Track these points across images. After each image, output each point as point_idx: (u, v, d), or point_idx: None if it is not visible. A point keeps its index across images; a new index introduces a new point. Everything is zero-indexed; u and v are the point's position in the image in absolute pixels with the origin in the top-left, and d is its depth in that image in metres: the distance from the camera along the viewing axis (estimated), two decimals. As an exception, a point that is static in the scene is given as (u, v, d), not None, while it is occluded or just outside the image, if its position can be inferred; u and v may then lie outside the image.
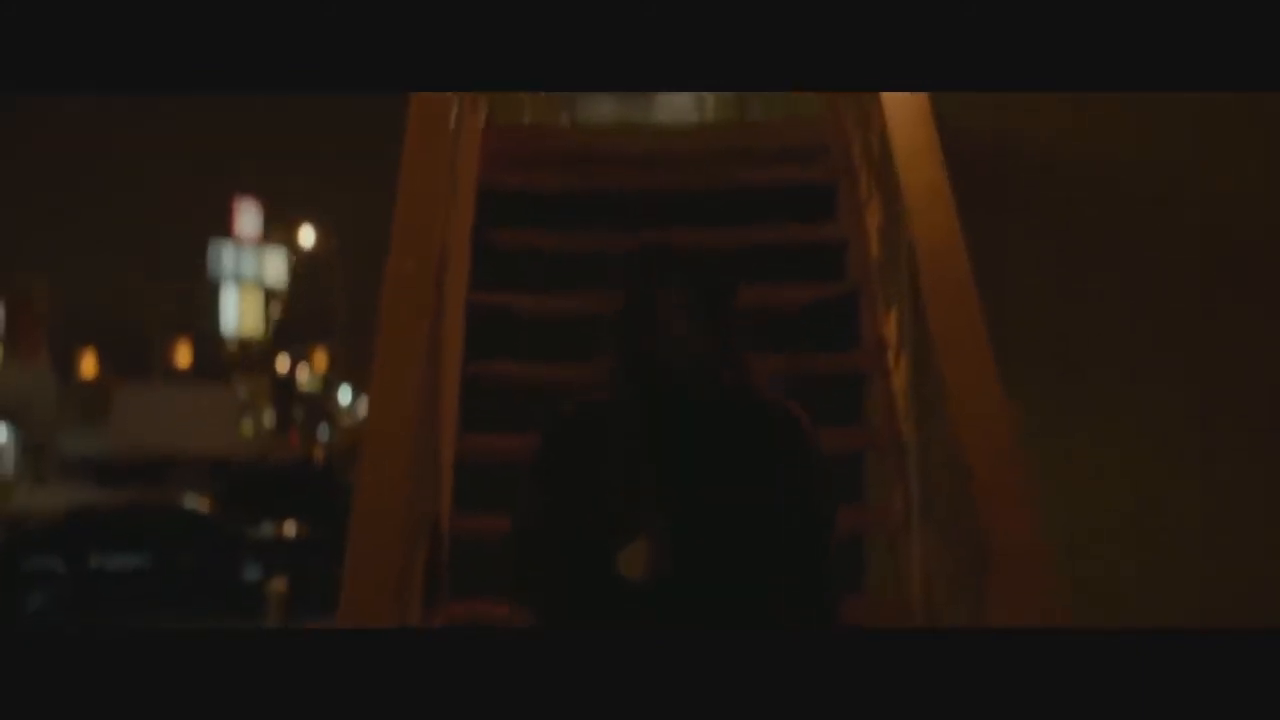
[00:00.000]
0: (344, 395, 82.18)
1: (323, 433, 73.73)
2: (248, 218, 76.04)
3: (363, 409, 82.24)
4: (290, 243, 74.71)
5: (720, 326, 2.92)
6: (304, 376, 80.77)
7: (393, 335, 3.79)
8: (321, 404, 79.51)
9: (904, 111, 4.49)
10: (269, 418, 66.86)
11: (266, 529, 19.77)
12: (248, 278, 75.18)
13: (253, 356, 73.62)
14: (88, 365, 67.16)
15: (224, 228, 74.26)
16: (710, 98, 7.91)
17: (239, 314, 74.53)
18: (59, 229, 68.68)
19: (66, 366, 63.50)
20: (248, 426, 58.84)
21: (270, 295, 77.00)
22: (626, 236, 5.40)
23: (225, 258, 74.60)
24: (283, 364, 76.70)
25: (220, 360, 70.41)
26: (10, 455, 52.75)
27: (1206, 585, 5.94)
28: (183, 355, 69.75)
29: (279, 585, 10.72)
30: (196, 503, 21.27)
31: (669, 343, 2.88)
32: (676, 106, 7.91)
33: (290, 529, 19.88)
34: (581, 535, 2.84)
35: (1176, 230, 6.10)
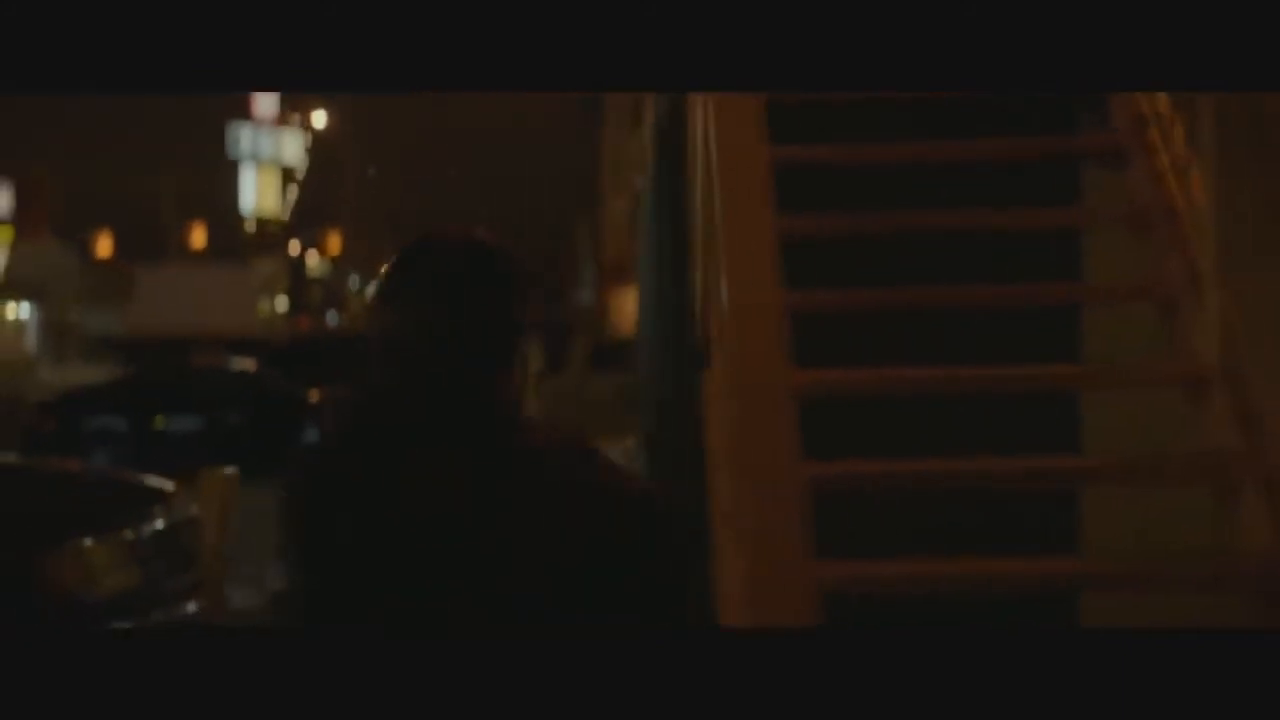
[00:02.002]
0: (352, 281, 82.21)
1: (331, 318, 73.78)
2: (265, 99, 75.48)
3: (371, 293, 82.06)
4: (306, 125, 74.38)
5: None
6: (313, 261, 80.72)
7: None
8: (331, 289, 79.52)
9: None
10: (281, 301, 66.88)
11: (314, 393, 19.78)
12: (265, 158, 74.79)
13: (269, 238, 73.45)
14: (103, 247, 67.11)
15: (240, 110, 73.78)
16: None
17: (256, 194, 74.22)
18: (72, 111, 68.19)
19: (83, 249, 63.52)
20: (265, 308, 58.86)
21: (288, 177, 76.69)
22: None
23: (243, 139, 74.18)
24: (294, 248, 76.59)
25: (235, 242, 70.24)
26: (32, 333, 52.82)
27: None
28: (198, 237, 69.61)
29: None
30: (244, 367, 21.25)
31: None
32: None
33: (336, 392, 19.90)
34: None
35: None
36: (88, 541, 7.00)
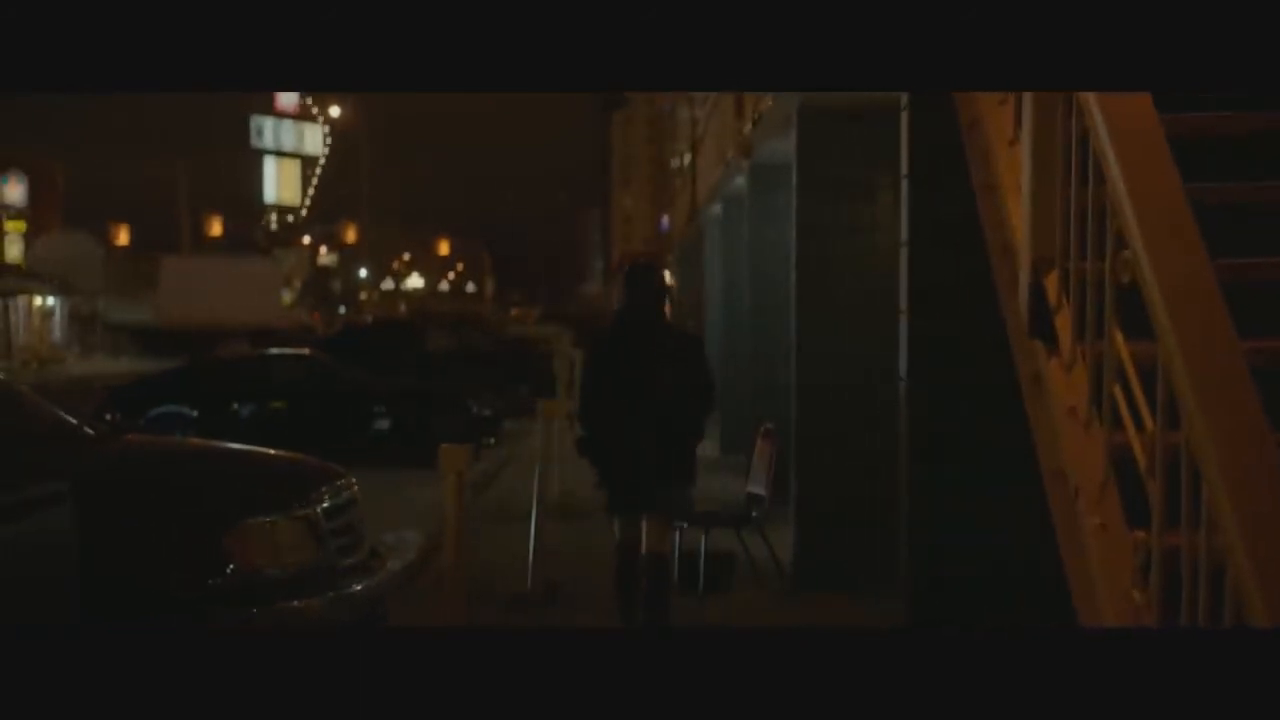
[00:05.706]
0: (359, 273, 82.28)
1: (340, 309, 73.91)
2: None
3: (385, 284, 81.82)
4: (326, 118, 74.52)
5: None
6: (323, 251, 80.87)
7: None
8: (343, 280, 79.61)
9: None
10: (296, 292, 67.01)
11: (378, 379, 19.82)
12: (286, 150, 74.92)
13: (288, 229, 73.58)
14: (121, 238, 67.23)
15: (262, 103, 73.85)
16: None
17: (277, 185, 74.36)
18: (85, 103, 68.25)
19: (101, 239, 63.60)
20: (286, 299, 59.00)
21: (307, 169, 76.81)
22: None
23: (265, 131, 74.28)
24: (306, 240, 76.73)
25: (252, 233, 70.36)
26: (60, 324, 52.86)
27: None
28: (214, 228, 69.76)
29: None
30: (301, 353, 21.29)
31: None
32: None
33: (396, 380, 19.97)
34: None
35: None
36: (269, 519, 7.10)
